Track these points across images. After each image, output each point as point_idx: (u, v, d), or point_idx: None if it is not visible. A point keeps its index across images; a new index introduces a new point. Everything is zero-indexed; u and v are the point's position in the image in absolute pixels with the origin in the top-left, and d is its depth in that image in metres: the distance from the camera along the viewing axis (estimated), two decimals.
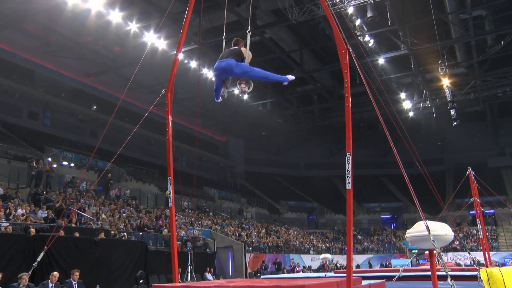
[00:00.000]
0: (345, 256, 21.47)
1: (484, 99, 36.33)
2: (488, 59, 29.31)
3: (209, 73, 29.30)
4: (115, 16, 22.43)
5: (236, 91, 28.44)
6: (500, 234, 36.41)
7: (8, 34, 25.91)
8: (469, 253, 27.72)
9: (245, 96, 32.51)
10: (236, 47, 6.47)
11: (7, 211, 14.25)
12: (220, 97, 6.71)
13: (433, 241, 5.87)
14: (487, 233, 30.49)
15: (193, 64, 27.97)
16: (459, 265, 27.48)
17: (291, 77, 6.77)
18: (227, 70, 6.20)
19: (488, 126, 46.63)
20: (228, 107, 37.62)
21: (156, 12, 23.91)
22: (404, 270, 12.17)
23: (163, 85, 7.19)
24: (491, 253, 21.30)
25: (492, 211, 36.52)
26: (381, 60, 28.47)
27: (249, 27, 6.75)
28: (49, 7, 21.96)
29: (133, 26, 23.53)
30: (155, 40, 24.56)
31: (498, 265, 24.06)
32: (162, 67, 25.98)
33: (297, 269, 28.13)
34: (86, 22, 23.21)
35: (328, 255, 25.71)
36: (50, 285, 10.25)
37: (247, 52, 6.35)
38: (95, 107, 33.82)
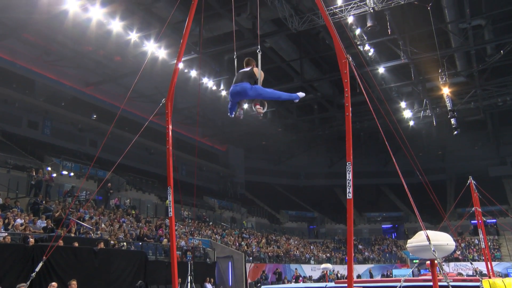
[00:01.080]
0: (346, 266, 21.39)
1: (485, 108, 36.34)
2: (488, 68, 29.42)
3: (209, 83, 29.39)
4: (116, 26, 22.55)
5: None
6: (502, 244, 36.13)
7: (8, 43, 26.02)
8: (471, 263, 27.54)
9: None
10: (248, 69, 6.55)
11: (6, 221, 14.21)
12: (234, 114, 6.91)
13: (434, 251, 5.84)
14: (489, 243, 30.29)
15: (193, 73, 28.06)
16: (461, 275, 27.33)
17: (301, 94, 6.88)
18: (241, 93, 6.38)
19: (489, 135, 46.59)
20: (228, 117, 37.53)
21: (156, 21, 24.02)
22: (406, 280, 12.11)
23: (163, 94, 7.21)
24: (493, 263, 21.19)
25: (494, 220, 36.30)
26: (381, 69, 28.55)
27: (258, 47, 6.82)
28: (50, 16, 22.06)
29: (134, 36, 23.64)
30: (155, 50, 24.67)
31: (501, 276, 23.94)
32: (162, 77, 26.04)
33: (301, 279, 28.03)
34: (87, 31, 23.29)
35: (328, 265, 25.57)
36: None
37: (259, 72, 6.42)
38: (95, 116, 33.85)
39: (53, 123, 31.07)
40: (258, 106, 6.67)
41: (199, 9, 7.61)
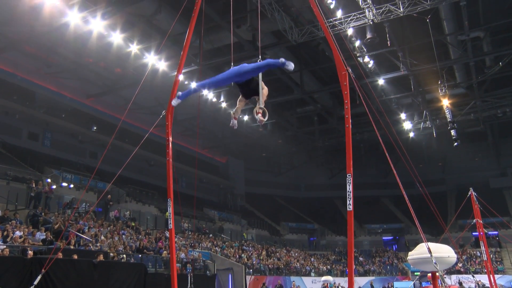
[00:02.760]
0: (346, 279, 21.27)
1: (485, 119, 36.38)
2: (487, 79, 29.48)
3: (209, 95, 29.45)
4: (116, 38, 22.64)
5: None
6: (505, 257, 35.87)
7: (10, 55, 26.15)
8: (473, 276, 27.38)
9: (247, 119, 32.59)
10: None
11: (5, 233, 14.14)
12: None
13: (435, 263, 5.82)
14: (491, 256, 30.07)
15: (194, 85, 28.00)
16: (461, 285, 27.17)
17: (291, 65, 6.23)
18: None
19: (489, 146, 46.54)
20: (229, 128, 37.65)
21: (156, 33, 24.14)
22: None
23: (163, 106, 7.24)
24: (496, 276, 21.03)
25: (496, 232, 36.07)
26: (380, 81, 28.61)
27: (259, 58, 6.77)
28: (51, 29, 22.18)
29: (134, 48, 23.73)
30: (155, 61, 24.73)
31: None
32: (163, 88, 26.10)
33: None
34: (88, 43, 23.39)
35: (329, 277, 25.51)
36: None
37: (260, 88, 6.36)
38: (95, 128, 33.90)
39: (53, 135, 31.09)
40: (260, 115, 6.61)
41: (199, 21, 7.68)
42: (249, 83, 6.39)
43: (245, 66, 6.19)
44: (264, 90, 6.39)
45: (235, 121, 6.81)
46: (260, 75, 6.55)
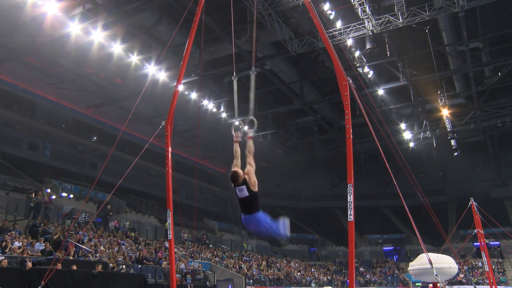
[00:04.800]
0: None
1: (484, 129, 36.36)
2: (487, 89, 29.54)
3: (209, 105, 29.49)
4: (117, 48, 22.74)
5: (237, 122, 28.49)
6: (507, 268, 35.68)
7: (11, 66, 26.23)
8: (475, 287, 27.22)
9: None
10: (241, 187, 6.37)
11: (4, 243, 14.08)
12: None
13: (436, 275, 5.79)
14: (493, 266, 29.92)
15: (193, 95, 28.17)
16: None
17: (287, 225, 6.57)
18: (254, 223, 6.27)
19: (489, 156, 46.49)
20: (228, 139, 37.58)
21: (157, 44, 24.24)
22: None
23: (163, 116, 7.23)
24: (498, 287, 20.90)
25: (497, 243, 35.95)
26: (380, 91, 28.64)
27: (253, 67, 6.73)
28: (52, 40, 22.25)
29: (134, 58, 23.82)
30: (155, 72, 24.80)
31: None
32: (163, 99, 26.16)
33: None
34: (88, 54, 23.47)
35: None
36: None
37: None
38: (95, 138, 33.92)
39: (53, 145, 31.08)
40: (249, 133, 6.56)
41: (199, 32, 7.70)
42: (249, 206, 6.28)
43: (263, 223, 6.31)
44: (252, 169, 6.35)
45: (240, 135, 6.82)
46: (253, 82, 6.46)
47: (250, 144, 6.16)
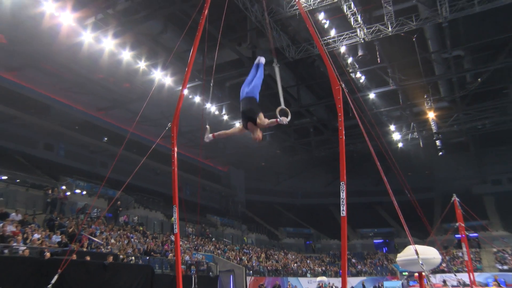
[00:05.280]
0: (340, 279, 21.20)
1: (467, 131, 36.48)
2: (469, 94, 29.64)
3: (212, 108, 29.51)
4: (126, 55, 22.77)
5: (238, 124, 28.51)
6: (483, 256, 36.13)
7: (28, 72, 26.34)
8: (455, 275, 27.49)
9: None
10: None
11: (25, 235, 14.25)
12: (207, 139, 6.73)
13: (422, 264, 5.85)
14: (471, 256, 30.21)
15: (197, 99, 28.19)
16: (446, 285, 27.15)
17: (262, 59, 7.03)
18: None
19: (471, 156, 46.67)
20: (230, 139, 37.67)
21: (163, 51, 24.27)
22: None
23: (169, 119, 7.26)
24: (475, 274, 21.07)
25: (476, 234, 36.40)
26: (371, 95, 28.70)
27: (275, 60, 6.84)
28: (66, 47, 22.33)
29: (142, 64, 23.83)
30: (162, 77, 24.84)
31: (481, 286, 23.73)
32: (168, 102, 26.15)
33: None
34: (99, 60, 23.45)
35: (324, 278, 25.40)
36: None
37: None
38: (105, 139, 33.91)
39: (67, 146, 31.14)
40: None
41: (202, 39, 7.74)
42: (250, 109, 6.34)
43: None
44: (265, 123, 6.28)
45: (211, 137, 6.68)
46: (278, 74, 7.02)
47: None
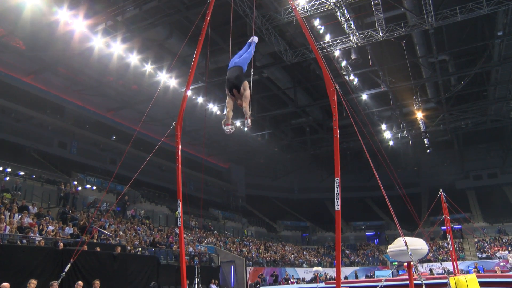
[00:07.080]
0: (334, 269, 21.24)
1: (451, 130, 36.65)
2: (453, 96, 29.79)
3: (214, 108, 29.50)
4: (133, 59, 22.76)
5: (238, 123, 28.43)
6: (465, 246, 36.55)
7: (45, 76, 26.56)
8: (441, 264, 27.76)
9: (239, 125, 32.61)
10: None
11: (40, 227, 14.32)
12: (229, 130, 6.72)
13: (410, 255, 5.86)
14: (455, 246, 30.45)
15: (200, 100, 28.18)
16: (432, 273, 27.27)
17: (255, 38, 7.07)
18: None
19: (455, 153, 46.87)
20: (231, 138, 37.66)
21: (168, 55, 24.28)
22: (386, 280, 12.05)
23: (173, 118, 7.24)
24: (458, 262, 21.15)
25: (459, 226, 36.78)
26: (364, 96, 28.69)
27: (251, 71, 6.85)
28: (79, 52, 22.42)
29: (148, 67, 23.81)
30: (167, 79, 24.81)
31: (464, 273, 23.80)
32: (173, 103, 26.13)
33: (291, 280, 27.74)
34: (109, 64, 23.49)
35: (319, 268, 25.28)
36: None
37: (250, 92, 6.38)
38: (114, 137, 33.87)
39: (79, 143, 31.13)
40: (249, 120, 6.57)
41: (205, 44, 7.72)
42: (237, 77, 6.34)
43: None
44: (246, 93, 6.32)
45: (229, 127, 6.73)
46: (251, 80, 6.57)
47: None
